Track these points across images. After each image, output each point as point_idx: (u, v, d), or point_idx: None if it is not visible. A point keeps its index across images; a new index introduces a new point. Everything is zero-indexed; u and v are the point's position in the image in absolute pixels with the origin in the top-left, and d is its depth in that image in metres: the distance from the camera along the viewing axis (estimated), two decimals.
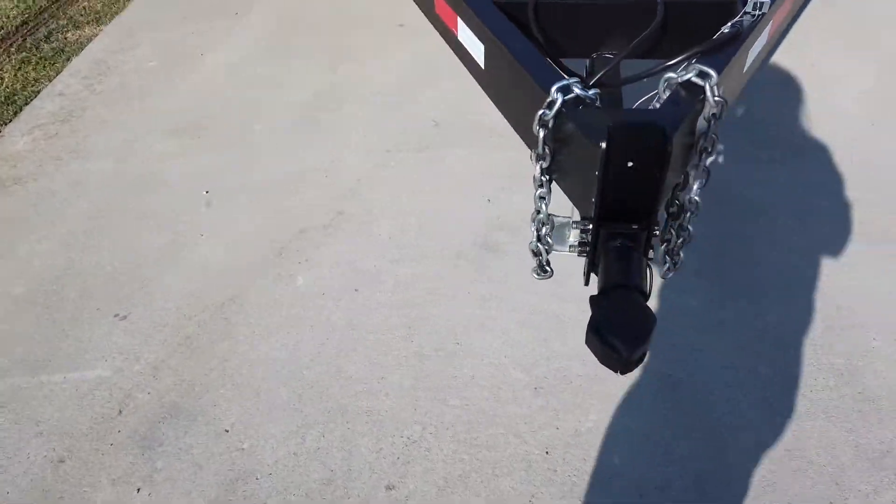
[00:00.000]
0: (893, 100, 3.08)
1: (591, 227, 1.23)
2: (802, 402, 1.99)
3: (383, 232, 2.57)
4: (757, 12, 1.70)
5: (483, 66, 1.81)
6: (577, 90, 1.29)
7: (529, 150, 2.08)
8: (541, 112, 1.30)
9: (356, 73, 3.42)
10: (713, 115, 1.40)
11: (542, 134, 1.31)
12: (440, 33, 2.10)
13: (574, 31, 2.01)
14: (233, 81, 3.41)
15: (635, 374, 2.08)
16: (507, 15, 1.77)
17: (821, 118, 2.99)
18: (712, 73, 1.37)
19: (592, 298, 1.13)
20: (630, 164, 1.17)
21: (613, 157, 1.11)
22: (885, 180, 2.68)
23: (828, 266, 2.37)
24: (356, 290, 2.37)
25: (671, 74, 1.42)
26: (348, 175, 2.83)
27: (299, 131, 3.06)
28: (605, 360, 1.07)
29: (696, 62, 1.55)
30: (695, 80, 1.38)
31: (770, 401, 2.00)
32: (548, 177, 1.45)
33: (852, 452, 1.88)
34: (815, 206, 2.59)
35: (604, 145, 1.09)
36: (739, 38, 1.63)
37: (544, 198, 1.51)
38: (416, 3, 2.24)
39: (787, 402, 2.00)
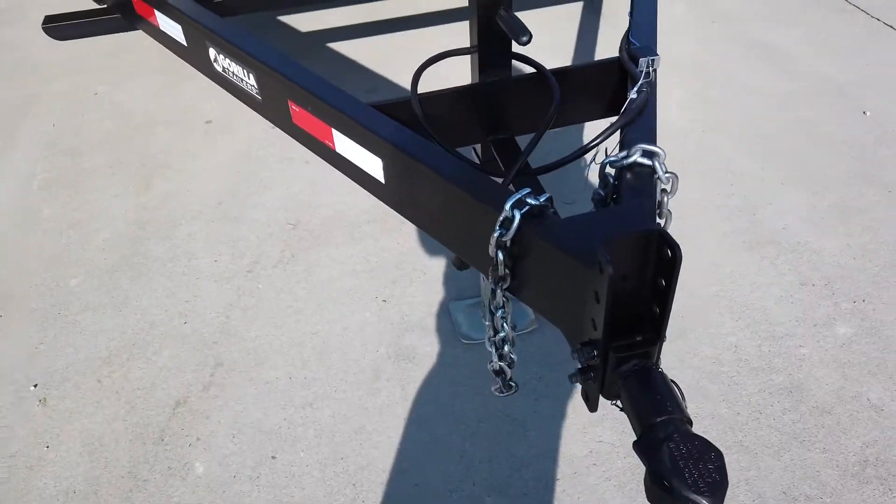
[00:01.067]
0: (706, 101, 3.29)
1: (595, 353, 1.05)
2: (773, 435, 1.96)
3: (279, 373, 2.18)
4: (651, 69, 1.64)
5: (384, 182, 1.55)
6: (531, 201, 1.12)
7: (459, 260, 1.83)
8: (497, 234, 1.12)
9: (176, 187, 2.95)
10: (664, 190, 1.30)
11: (500, 256, 1.13)
12: (304, 144, 1.80)
13: (464, 119, 1.83)
14: (19, 232, 2.78)
15: (607, 457, 1.93)
16: (388, 116, 1.55)
17: (661, 132, 3.09)
18: (658, 150, 1.27)
19: (639, 446, 0.96)
20: (624, 277, 1.02)
21: (616, 275, 0.95)
22: (729, 185, 2.82)
23: (727, 280, 2.41)
24: (273, 457, 1.97)
25: (612, 159, 1.30)
26: (212, 313, 2.38)
27: (131, 274, 2.55)
28: None
29: (628, 139, 1.44)
30: (640, 160, 1.28)
31: (745, 443, 1.95)
32: (507, 296, 1.28)
33: (837, 474, 1.87)
34: (689, 222, 2.64)
35: (611, 270, 0.91)
36: (648, 102, 1.55)
37: (506, 318, 1.33)
38: (261, 114, 1.91)
39: (760, 439, 1.96)
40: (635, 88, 1.55)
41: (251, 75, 1.80)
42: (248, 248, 2.63)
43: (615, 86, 1.78)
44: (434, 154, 1.37)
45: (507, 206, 1.09)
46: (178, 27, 2.05)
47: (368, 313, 2.36)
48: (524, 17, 1.65)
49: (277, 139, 3.15)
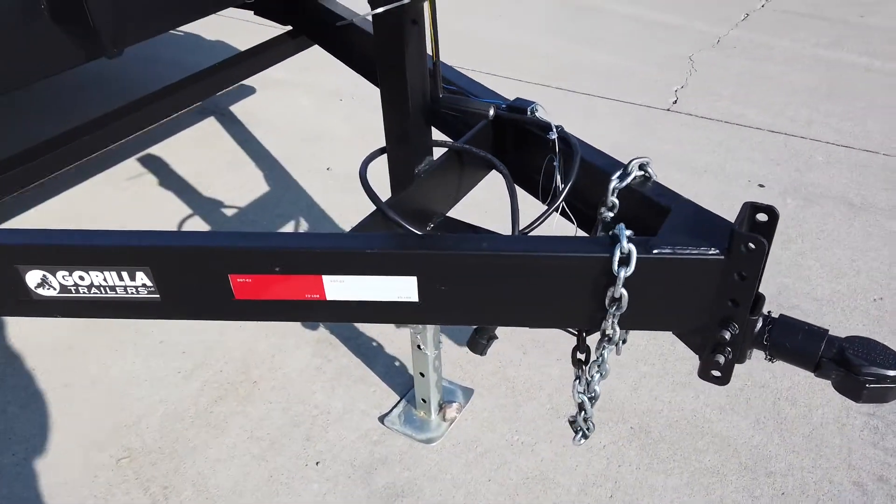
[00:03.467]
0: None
1: (737, 326, 1.23)
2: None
3: None
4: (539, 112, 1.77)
5: (419, 299, 1.42)
6: (629, 232, 1.23)
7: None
8: (623, 272, 1.23)
9: None
10: None
11: (626, 293, 1.25)
12: (255, 319, 1.51)
13: (420, 211, 1.77)
14: None
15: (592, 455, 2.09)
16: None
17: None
18: (647, 159, 1.54)
19: (827, 369, 1.17)
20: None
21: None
22: None
23: None
24: None
25: (615, 183, 1.46)
26: None
27: None
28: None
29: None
30: (637, 173, 1.51)
31: None
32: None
33: None
34: None
35: (766, 243, 1.13)
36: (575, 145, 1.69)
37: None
38: (157, 317, 1.49)
39: None
40: (555, 132, 1.66)
41: (139, 275, 1.40)
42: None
43: (499, 137, 1.87)
44: (491, 240, 1.34)
45: (625, 244, 1.18)
46: None
47: (316, 484, 1.99)
48: None
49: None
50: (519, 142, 1.79)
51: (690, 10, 5.68)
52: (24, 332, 2.52)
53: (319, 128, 3.92)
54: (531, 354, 2.39)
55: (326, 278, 1.37)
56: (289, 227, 3.05)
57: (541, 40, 5.11)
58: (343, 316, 1.44)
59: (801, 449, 2.06)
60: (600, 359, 1.33)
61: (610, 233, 1.23)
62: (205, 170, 3.50)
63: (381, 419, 2.18)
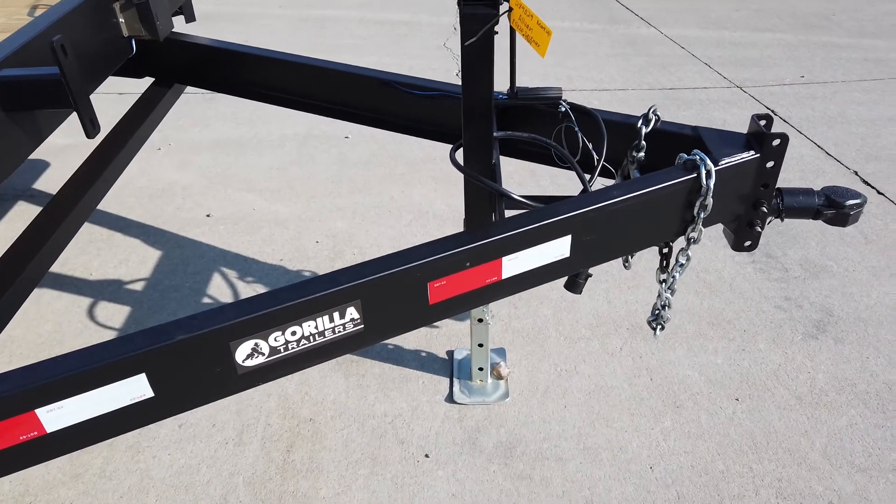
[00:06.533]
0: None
1: (765, 202, 1.85)
2: None
3: None
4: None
5: (570, 254, 1.76)
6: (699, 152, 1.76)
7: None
8: (711, 183, 1.71)
9: None
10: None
11: (712, 200, 1.75)
12: (445, 317, 1.69)
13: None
14: None
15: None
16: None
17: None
18: (655, 105, 2.01)
19: (821, 211, 1.87)
20: None
21: None
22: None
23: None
24: None
25: (643, 127, 1.94)
26: None
27: None
28: None
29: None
30: (651, 116, 1.99)
31: None
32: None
33: None
34: None
35: (787, 135, 1.76)
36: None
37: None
38: (362, 346, 1.61)
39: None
40: (565, 105, 2.05)
41: (349, 311, 1.52)
42: None
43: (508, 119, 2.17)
44: (611, 189, 1.69)
45: (709, 163, 1.66)
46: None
47: (440, 471, 2.13)
48: None
49: None
50: (527, 120, 2.12)
51: (410, 7, 6.35)
52: None
53: (160, 181, 3.67)
54: (520, 307, 2.76)
55: (506, 259, 1.61)
56: (216, 281, 2.92)
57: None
58: (512, 289, 1.69)
59: (733, 299, 2.80)
60: (685, 258, 1.76)
61: (683, 160, 1.62)
62: (68, 256, 3.09)
63: (449, 400, 2.38)
